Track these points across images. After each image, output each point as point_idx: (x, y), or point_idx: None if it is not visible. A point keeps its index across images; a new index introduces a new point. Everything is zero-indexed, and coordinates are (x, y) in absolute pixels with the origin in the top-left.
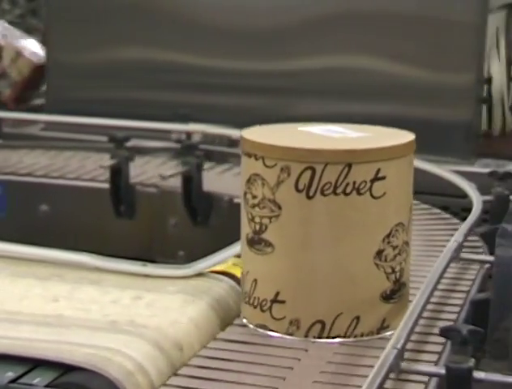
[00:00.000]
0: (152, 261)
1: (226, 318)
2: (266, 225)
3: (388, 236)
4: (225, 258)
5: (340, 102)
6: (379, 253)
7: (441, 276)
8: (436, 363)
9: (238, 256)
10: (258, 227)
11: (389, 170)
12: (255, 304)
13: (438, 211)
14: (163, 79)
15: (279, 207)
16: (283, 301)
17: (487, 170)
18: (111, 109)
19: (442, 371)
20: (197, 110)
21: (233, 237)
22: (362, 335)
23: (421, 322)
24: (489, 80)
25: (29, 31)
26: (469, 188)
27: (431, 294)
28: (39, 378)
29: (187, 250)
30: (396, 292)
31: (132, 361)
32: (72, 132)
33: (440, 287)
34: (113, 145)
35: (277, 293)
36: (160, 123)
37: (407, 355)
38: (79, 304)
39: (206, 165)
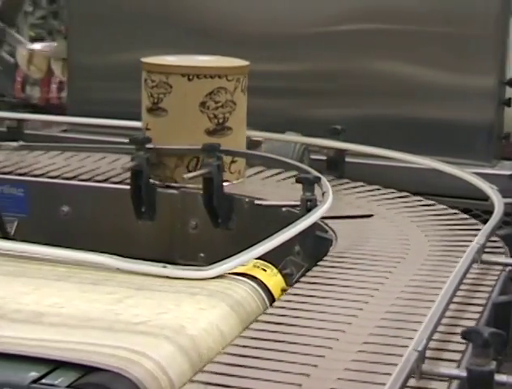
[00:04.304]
0: (173, 263)
1: (247, 319)
2: (228, 118)
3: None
4: (246, 260)
5: (361, 104)
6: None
7: (462, 278)
8: (457, 366)
9: (259, 258)
10: (221, 121)
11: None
12: None
13: (460, 213)
14: None
15: (235, 103)
16: None
17: (509, 172)
18: (132, 110)
19: (464, 374)
20: None
21: (254, 239)
22: None
23: (442, 324)
24: (511, 82)
25: (51, 33)
26: (491, 190)
27: (452, 296)
28: (61, 379)
29: (208, 252)
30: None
31: (153, 362)
32: (93, 134)
33: (461, 289)
34: (134, 147)
35: None
36: None
37: (428, 357)
38: (100, 305)
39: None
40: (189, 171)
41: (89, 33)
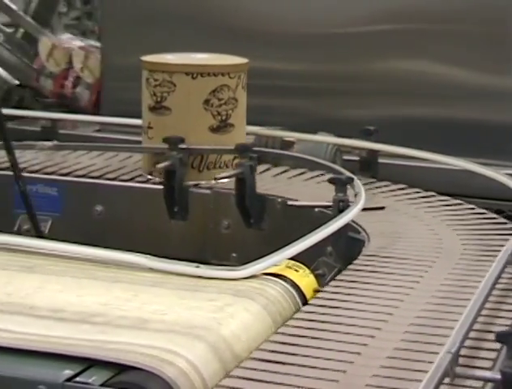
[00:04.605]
0: (205, 262)
1: (279, 319)
2: (230, 114)
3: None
4: (279, 261)
5: (394, 104)
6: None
7: (496, 280)
8: (491, 368)
9: (292, 258)
10: (224, 118)
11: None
12: None
13: (493, 215)
14: None
15: (236, 100)
16: None
17: None
18: None
19: (498, 376)
20: (251, 112)
21: (286, 240)
22: None
23: (476, 326)
24: None
25: (85, 33)
26: None
27: (486, 298)
28: (95, 377)
29: (240, 252)
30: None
31: (186, 362)
32: (127, 134)
33: (495, 291)
34: (168, 147)
35: None
36: None
37: (461, 360)
38: (132, 304)
39: (260, 167)
40: (193, 167)
41: (123, 33)
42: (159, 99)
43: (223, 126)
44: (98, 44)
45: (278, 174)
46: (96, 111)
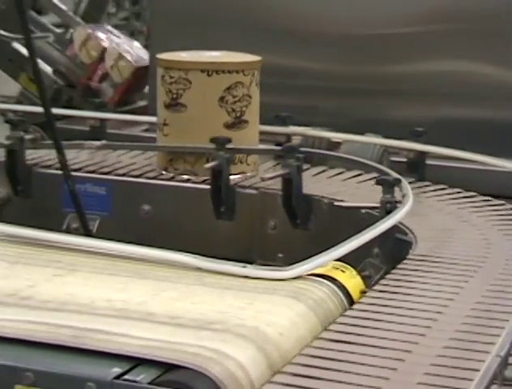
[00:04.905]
0: (251, 262)
1: (326, 320)
2: (245, 111)
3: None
4: (326, 262)
5: (442, 105)
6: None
7: None
8: None
9: (338, 259)
10: (238, 114)
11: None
12: None
13: None
14: (265, 82)
15: (250, 97)
16: None
17: None
18: None
19: None
20: (297, 113)
21: (332, 240)
22: None
23: None
24: None
25: (133, 34)
26: None
27: None
28: (143, 375)
29: (286, 253)
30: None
31: (234, 361)
32: None
33: None
34: (214, 147)
35: None
36: (261, 125)
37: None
38: (180, 303)
39: (306, 168)
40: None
41: (170, 34)
42: (174, 96)
43: (237, 123)
44: (137, 50)
45: (324, 174)
46: (115, 110)
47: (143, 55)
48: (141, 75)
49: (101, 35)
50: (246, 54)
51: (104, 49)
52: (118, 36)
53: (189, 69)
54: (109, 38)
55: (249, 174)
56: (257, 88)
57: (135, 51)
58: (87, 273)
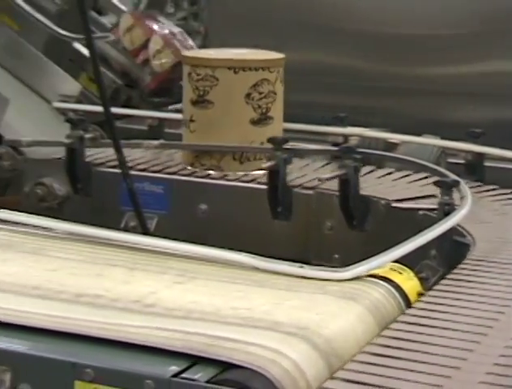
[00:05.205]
0: (307, 263)
1: (383, 322)
2: (270, 107)
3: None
4: (383, 263)
5: (501, 106)
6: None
7: None
8: None
9: (396, 261)
10: (264, 110)
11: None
12: None
13: None
14: (322, 82)
15: (275, 94)
16: None
17: None
18: None
19: None
20: (355, 113)
21: (388, 242)
22: None
23: None
24: None
25: (190, 34)
26: None
27: None
28: (200, 374)
29: (342, 254)
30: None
31: (290, 362)
32: None
33: None
34: (272, 147)
35: None
36: (318, 126)
37: None
38: (237, 302)
39: (363, 169)
40: (235, 159)
41: (227, 34)
42: (201, 93)
43: (263, 119)
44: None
45: (382, 175)
46: (148, 99)
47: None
48: (181, 70)
49: (149, 23)
50: (270, 52)
51: (149, 38)
52: (168, 28)
53: (216, 66)
54: (156, 27)
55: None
56: (281, 85)
57: (184, 45)
58: (206, 281)
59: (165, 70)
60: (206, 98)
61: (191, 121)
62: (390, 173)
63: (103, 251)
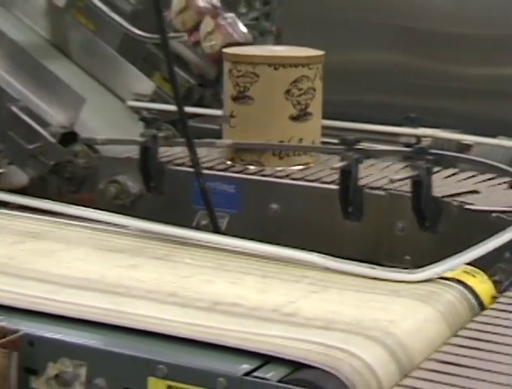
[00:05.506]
0: (378, 264)
1: (455, 324)
2: (309, 104)
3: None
4: (457, 265)
5: None
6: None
7: None
8: None
9: (469, 264)
10: (303, 107)
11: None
12: None
13: None
14: (394, 83)
15: (314, 90)
16: None
17: None
18: (341, 111)
19: None
20: (427, 114)
21: (460, 244)
22: None
23: None
24: None
25: (263, 33)
26: None
27: None
28: (272, 373)
29: (413, 255)
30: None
31: (363, 363)
32: None
33: None
34: (344, 147)
35: None
36: (390, 127)
37: None
38: (309, 303)
39: (436, 170)
40: (274, 154)
41: (299, 34)
42: (242, 89)
43: (302, 115)
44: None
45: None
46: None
47: (238, 35)
48: None
49: (201, 3)
50: (309, 49)
51: (200, 20)
52: (220, 11)
53: (257, 63)
54: (209, 10)
55: (311, 165)
56: (320, 82)
57: (234, 29)
58: (338, 290)
59: (215, 52)
60: (246, 94)
61: (231, 116)
62: (461, 174)
63: (231, 258)
